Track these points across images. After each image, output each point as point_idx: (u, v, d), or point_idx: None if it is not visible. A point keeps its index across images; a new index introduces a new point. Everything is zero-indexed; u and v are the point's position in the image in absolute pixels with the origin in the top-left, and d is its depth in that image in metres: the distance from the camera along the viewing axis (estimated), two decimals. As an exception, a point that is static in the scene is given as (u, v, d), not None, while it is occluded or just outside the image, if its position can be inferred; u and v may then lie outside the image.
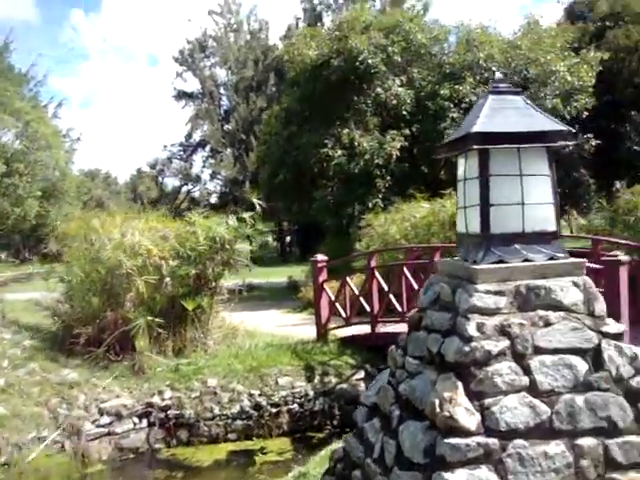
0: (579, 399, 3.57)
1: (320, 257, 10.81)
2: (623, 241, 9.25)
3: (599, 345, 3.70)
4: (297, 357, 9.78)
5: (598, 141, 18.11)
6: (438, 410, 3.48)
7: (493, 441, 3.43)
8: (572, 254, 4.14)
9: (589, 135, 18.22)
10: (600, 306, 3.81)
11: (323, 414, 9.16)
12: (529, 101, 4.16)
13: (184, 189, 47.32)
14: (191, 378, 9.18)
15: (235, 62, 37.86)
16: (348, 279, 10.39)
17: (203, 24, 55.63)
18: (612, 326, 3.81)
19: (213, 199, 43.66)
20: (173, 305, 9.88)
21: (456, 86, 17.90)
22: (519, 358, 3.63)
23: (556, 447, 3.47)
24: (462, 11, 73.76)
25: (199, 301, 9.93)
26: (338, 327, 10.53)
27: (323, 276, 10.63)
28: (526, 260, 3.89)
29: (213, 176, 42.09)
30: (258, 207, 10.12)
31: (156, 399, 8.72)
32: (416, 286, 9.15)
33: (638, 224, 9.27)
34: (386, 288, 9.52)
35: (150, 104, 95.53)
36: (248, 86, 37.94)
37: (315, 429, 9.11)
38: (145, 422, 8.60)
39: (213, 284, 10.29)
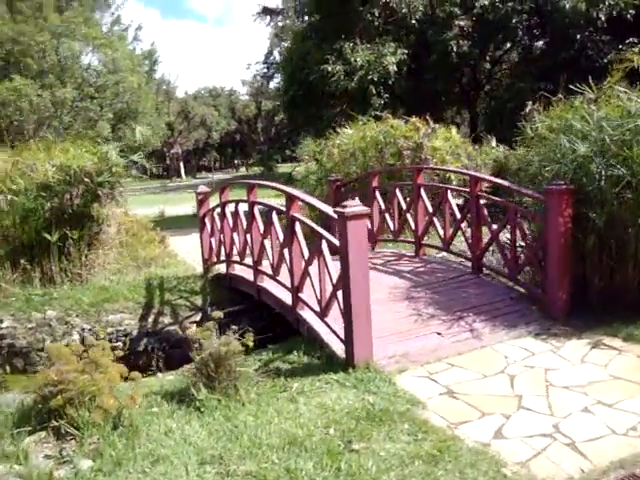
0: None
1: (202, 189, 9.94)
2: (506, 183, 7.35)
3: None
4: (147, 293, 9.21)
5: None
6: None
7: None
8: None
9: (634, 40, 14.71)
10: None
11: (147, 354, 8.62)
12: None
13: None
14: (39, 309, 8.99)
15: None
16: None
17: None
18: None
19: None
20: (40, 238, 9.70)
21: (469, -13, 15.34)
22: None
23: None
24: None
25: (63, 233, 9.63)
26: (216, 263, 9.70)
27: (205, 207, 9.78)
28: None
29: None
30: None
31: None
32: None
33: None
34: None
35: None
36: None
37: (140, 369, 8.60)
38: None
39: (85, 217, 9.95)
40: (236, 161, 75.06)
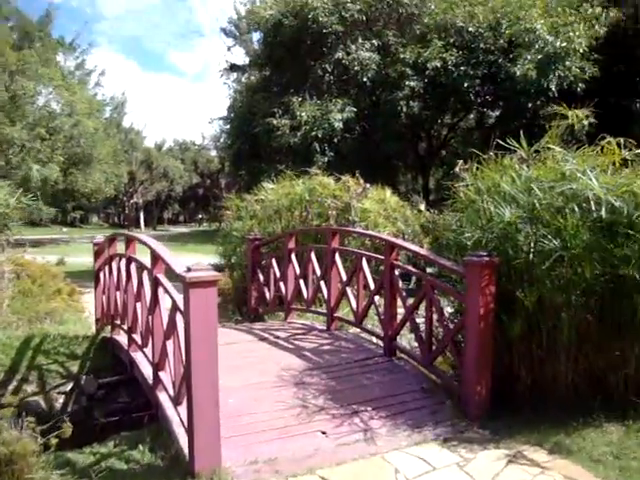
0: None
1: (98, 239, 8.74)
2: (423, 252, 6.34)
3: None
4: (18, 354, 7.85)
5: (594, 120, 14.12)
6: None
7: None
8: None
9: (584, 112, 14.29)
10: None
11: (2, 428, 7.15)
12: None
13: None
14: None
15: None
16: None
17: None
18: None
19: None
20: None
21: (422, 49, 14.80)
22: None
23: None
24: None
25: None
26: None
27: (100, 260, 8.55)
28: None
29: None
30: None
31: None
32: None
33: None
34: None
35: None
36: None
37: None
38: None
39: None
40: (200, 215, 74.12)
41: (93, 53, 45.60)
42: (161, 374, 5.06)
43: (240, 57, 40.83)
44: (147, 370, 5.57)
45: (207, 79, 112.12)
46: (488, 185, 5.77)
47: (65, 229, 52.49)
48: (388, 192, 10.02)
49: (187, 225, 70.51)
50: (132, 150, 54.31)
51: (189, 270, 3.79)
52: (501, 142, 5.93)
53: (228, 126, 40.78)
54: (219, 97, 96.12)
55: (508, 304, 5.20)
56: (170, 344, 4.72)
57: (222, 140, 47.31)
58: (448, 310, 6.02)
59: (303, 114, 14.84)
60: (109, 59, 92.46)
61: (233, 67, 40.38)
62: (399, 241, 6.65)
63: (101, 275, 8.41)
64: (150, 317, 5.29)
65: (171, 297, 4.55)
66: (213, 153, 60.68)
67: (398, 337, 6.46)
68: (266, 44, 17.02)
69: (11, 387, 7.48)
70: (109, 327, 8.17)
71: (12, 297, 10.28)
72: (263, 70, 18.50)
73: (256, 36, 18.57)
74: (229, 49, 39.43)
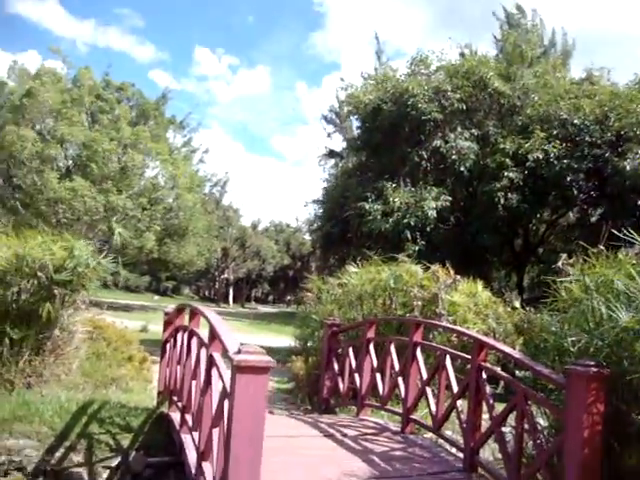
0: None
1: (170, 309, 8.51)
2: (517, 355, 5.57)
3: None
4: (72, 419, 7.53)
5: None
6: None
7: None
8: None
9: None
10: None
11: (38, 500, 6.76)
12: None
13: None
14: None
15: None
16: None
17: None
18: None
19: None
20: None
21: (522, 140, 14.24)
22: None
23: None
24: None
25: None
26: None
27: (169, 330, 8.29)
28: None
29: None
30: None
31: None
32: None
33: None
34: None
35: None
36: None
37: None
38: None
39: (32, 317, 8.61)
40: (288, 297, 74.59)
41: (200, 132, 48.40)
42: (204, 465, 4.48)
43: (338, 144, 41.68)
44: (192, 458, 5.02)
45: (306, 164, 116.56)
46: (597, 282, 4.97)
47: (157, 297, 54.21)
48: (480, 286, 9.27)
49: (275, 305, 71.00)
50: (228, 227, 56.16)
51: (239, 352, 3.27)
52: (615, 232, 5.16)
53: (321, 210, 41.38)
54: (316, 182, 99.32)
55: (620, 427, 4.29)
56: (216, 432, 4.15)
57: (315, 224, 48.03)
58: (540, 422, 5.12)
59: (396, 200, 14.46)
60: (218, 140, 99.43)
61: (331, 153, 41.41)
62: (490, 340, 5.88)
63: (167, 346, 8.07)
64: (202, 399, 4.78)
65: (222, 380, 4.03)
66: (306, 236, 61.68)
67: (480, 451, 5.56)
68: (364, 129, 17.09)
69: (58, 454, 7.09)
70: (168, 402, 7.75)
71: (85, 358, 10.13)
72: (360, 155, 18.49)
73: (355, 123, 18.54)
74: (329, 135, 40.34)
